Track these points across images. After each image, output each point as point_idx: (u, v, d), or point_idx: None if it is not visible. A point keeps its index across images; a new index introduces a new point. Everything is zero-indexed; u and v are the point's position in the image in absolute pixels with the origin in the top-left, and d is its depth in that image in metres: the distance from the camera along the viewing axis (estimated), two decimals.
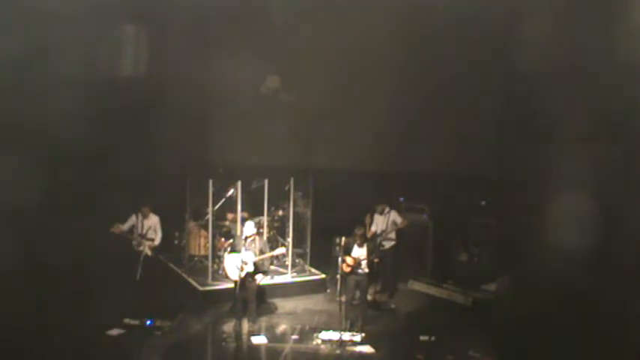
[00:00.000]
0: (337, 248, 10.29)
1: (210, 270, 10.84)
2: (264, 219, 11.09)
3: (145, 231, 9.90)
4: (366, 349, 8.66)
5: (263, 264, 9.54)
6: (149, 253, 9.82)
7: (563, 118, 8.95)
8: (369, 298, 10.02)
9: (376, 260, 9.28)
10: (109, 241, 9.84)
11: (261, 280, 9.59)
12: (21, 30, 9.17)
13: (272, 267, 11.42)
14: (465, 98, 10.25)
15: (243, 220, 10.13)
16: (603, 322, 7.93)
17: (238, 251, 9.10)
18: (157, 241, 9.96)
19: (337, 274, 9.41)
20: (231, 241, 9.90)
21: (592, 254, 8.29)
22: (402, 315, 10.50)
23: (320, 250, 11.91)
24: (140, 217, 9.91)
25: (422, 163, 11.00)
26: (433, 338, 8.84)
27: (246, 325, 9.26)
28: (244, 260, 9.00)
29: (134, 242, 9.87)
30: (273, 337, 9.07)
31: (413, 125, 10.65)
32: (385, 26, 9.96)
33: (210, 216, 11.03)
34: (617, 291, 7.97)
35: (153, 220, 9.99)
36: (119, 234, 9.78)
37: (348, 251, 9.16)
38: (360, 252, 9.12)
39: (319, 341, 8.85)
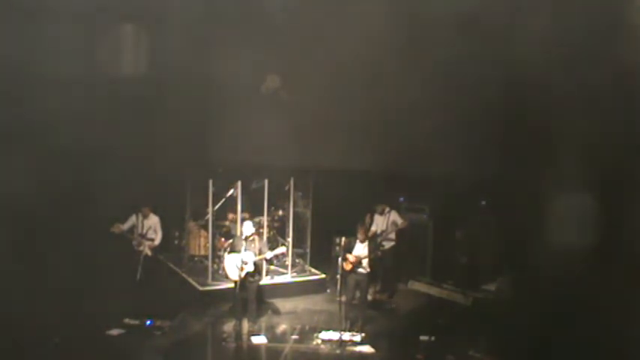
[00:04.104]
0: (337, 248, 10.30)
1: (210, 270, 10.84)
2: (264, 219, 11.10)
3: (145, 231, 9.90)
4: (366, 349, 8.67)
5: (262, 264, 9.55)
6: (149, 253, 9.83)
7: (563, 118, 8.94)
8: (369, 298, 10.02)
9: (379, 254, 9.30)
10: (109, 241, 9.84)
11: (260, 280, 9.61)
12: (21, 30, 9.18)
13: (272, 267, 11.44)
14: (465, 98, 10.24)
15: (243, 221, 10.13)
16: (603, 322, 7.93)
17: (238, 251, 9.10)
18: (157, 241, 9.96)
19: (337, 274, 9.42)
20: (230, 241, 9.90)
21: (592, 254, 8.29)
22: (402, 315, 10.50)
23: (320, 250, 11.91)
24: (140, 217, 9.91)
25: (422, 163, 10.98)
26: (433, 338, 8.84)
27: (246, 325, 9.26)
28: (244, 260, 9.00)
29: (134, 242, 9.87)
30: (273, 337, 9.07)
31: (413, 125, 10.64)
32: (385, 26, 9.95)
33: (210, 216, 11.03)
34: (618, 291, 7.97)
35: (153, 220, 9.99)
36: (119, 234, 9.79)
37: (349, 250, 9.18)
38: (361, 249, 9.13)
39: (319, 341, 8.86)
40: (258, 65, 10.71)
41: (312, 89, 10.68)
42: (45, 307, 8.79)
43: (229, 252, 9.36)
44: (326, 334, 8.99)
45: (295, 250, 11.73)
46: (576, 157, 8.73)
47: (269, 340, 8.91)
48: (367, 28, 9.97)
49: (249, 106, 10.85)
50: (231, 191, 11.31)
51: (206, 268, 11.01)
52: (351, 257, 9.12)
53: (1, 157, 9.14)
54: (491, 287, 10.91)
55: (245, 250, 9.06)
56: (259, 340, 8.90)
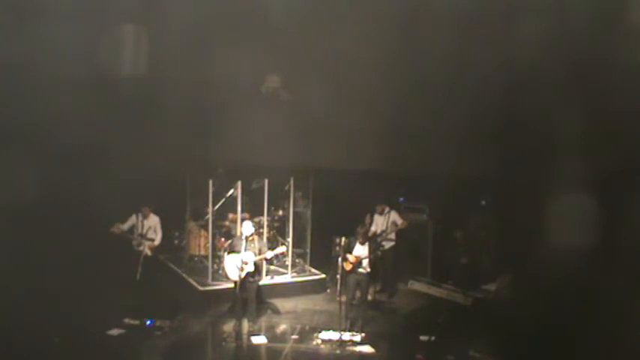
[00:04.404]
0: (337, 248, 10.30)
1: (210, 270, 10.85)
2: (264, 219, 11.10)
3: (145, 231, 9.90)
4: (366, 349, 8.67)
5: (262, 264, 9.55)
6: (149, 253, 9.83)
7: (563, 118, 8.94)
8: (369, 298, 10.02)
9: (379, 254, 9.29)
10: (109, 241, 9.84)
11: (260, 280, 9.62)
12: (21, 30, 9.18)
13: (272, 267, 11.44)
14: (465, 98, 10.24)
15: (243, 221, 10.13)
16: (603, 322, 7.93)
17: (238, 251, 9.10)
18: (157, 241, 9.97)
19: (337, 274, 9.42)
20: (230, 241, 9.90)
21: (592, 254, 8.28)
22: (402, 315, 10.50)
23: (320, 250, 11.91)
24: (140, 217, 9.92)
25: (422, 163, 10.99)
26: (433, 338, 8.84)
27: (246, 325, 9.26)
28: (244, 260, 9.00)
29: (134, 242, 9.87)
30: (273, 337, 9.08)
31: (413, 125, 10.64)
32: (386, 26, 9.95)
33: (210, 216, 11.03)
34: (618, 290, 7.96)
35: (153, 220, 10.00)
36: (119, 234, 9.79)
37: (349, 250, 9.18)
38: (361, 250, 9.13)
39: (319, 341, 8.86)
40: (258, 65, 10.70)
41: (312, 89, 10.68)
42: (45, 307, 8.78)
43: (229, 252, 9.36)
44: (326, 334, 8.99)
45: (295, 250, 11.73)
46: (576, 157, 8.72)
47: (269, 340, 8.92)
48: (367, 27, 9.98)
49: (249, 106, 10.85)
50: (231, 191, 11.31)
51: (206, 268, 11.01)
52: (351, 257, 9.12)
53: (1, 156, 9.13)
54: (491, 287, 10.91)
55: (245, 250, 9.06)
56: (259, 340, 8.90)
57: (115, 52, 10.25)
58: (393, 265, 11.10)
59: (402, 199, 12.13)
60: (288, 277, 11.26)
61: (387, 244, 10.91)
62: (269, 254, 9.33)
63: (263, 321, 9.70)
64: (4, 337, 7.86)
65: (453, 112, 10.32)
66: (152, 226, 9.97)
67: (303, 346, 8.74)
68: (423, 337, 8.89)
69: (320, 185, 11.85)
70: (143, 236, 9.88)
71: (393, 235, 10.91)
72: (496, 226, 11.21)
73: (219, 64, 10.23)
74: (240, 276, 9.01)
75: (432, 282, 11.52)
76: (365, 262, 9.15)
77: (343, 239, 9.33)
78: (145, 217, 9.94)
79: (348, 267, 9.15)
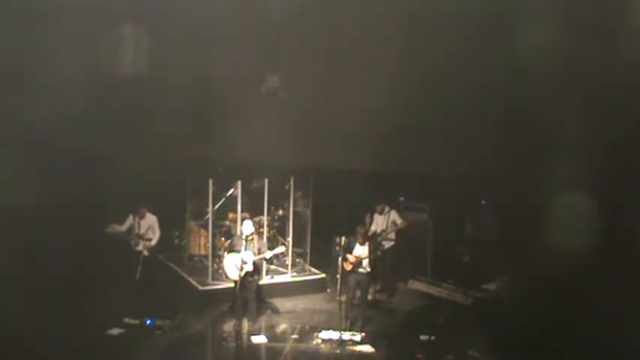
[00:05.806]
0: (337, 248, 10.29)
1: (210, 269, 10.85)
2: (264, 218, 11.10)
3: (142, 231, 9.90)
4: (366, 348, 8.68)
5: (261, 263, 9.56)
6: (146, 252, 9.83)
7: (563, 118, 8.94)
8: (369, 297, 10.02)
9: (379, 254, 9.29)
10: (109, 241, 9.85)
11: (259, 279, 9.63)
12: (21, 30, 9.18)
13: (272, 266, 11.45)
14: (465, 98, 10.24)
15: (243, 220, 10.14)
16: (603, 322, 7.93)
17: (238, 251, 9.10)
18: (154, 241, 9.98)
19: (337, 273, 9.42)
20: (230, 240, 9.90)
21: (592, 254, 8.29)
22: (402, 315, 10.50)
23: (320, 250, 11.91)
24: (137, 218, 9.92)
25: (422, 163, 10.98)
26: (433, 338, 8.84)
27: (246, 325, 9.27)
28: (244, 260, 9.00)
29: (132, 242, 9.88)
30: (273, 337, 9.08)
31: (413, 125, 10.64)
32: (386, 26, 9.95)
33: (210, 215, 11.03)
34: (617, 291, 7.97)
35: (150, 220, 10.01)
36: (114, 234, 9.80)
37: (349, 250, 9.18)
38: (361, 250, 9.13)
39: (319, 341, 8.87)
40: (258, 65, 10.70)
41: (313, 89, 10.68)
42: (45, 307, 8.79)
43: (229, 251, 9.36)
44: (326, 334, 8.99)
45: (295, 249, 11.74)
46: (576, 157, 8.72)
47: (269, 340, 8.93)
48: (368, 27, 9.97)
49: (249, 106, 10.85)
50: (231, 191, 11.31)
51: (206, 267, 11.02)
52: (351, 257, 9.12)
53: (1, 157, 9.14)
54: (491, 287, 10.90)
55: (245, 249, 9.06)
56: (259, 339, 8.91)
57: (115, 52, 10.24)
58: (393, 264, 11.11)
59: (402, 198, 12.13)
60: (288, 277, 11.26)
61: (387, 244, 10.91)
62: (268, 254, 9.33)
63: (263, 320, 9.71)
64: (5, 337, 7.86)
65: (453, 112, 10.32)
66: (150, 225, 9.98)
67: (303, 346, 8.74)
68: (423, 337, 8.89)
69: (320, 185, 11.85)
70: (140, 236, 9.88)
71: (393, 235, 10.91)
72: (496, 226, 11.20)
73: (219, 64, 10.23)
74: (240, 275, 9.02)
75: (432, 281, 11.52)
76: (365, 262, 9.15)
77: (343, 239, 9.33)
78: (142, 217, 9.95)
79: (348, 267, 9.15)
